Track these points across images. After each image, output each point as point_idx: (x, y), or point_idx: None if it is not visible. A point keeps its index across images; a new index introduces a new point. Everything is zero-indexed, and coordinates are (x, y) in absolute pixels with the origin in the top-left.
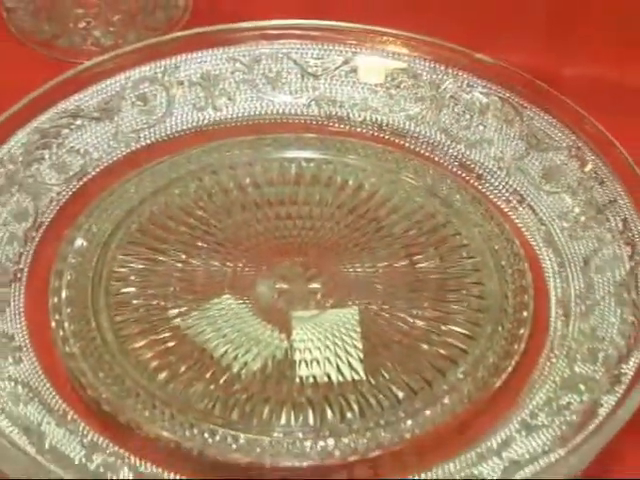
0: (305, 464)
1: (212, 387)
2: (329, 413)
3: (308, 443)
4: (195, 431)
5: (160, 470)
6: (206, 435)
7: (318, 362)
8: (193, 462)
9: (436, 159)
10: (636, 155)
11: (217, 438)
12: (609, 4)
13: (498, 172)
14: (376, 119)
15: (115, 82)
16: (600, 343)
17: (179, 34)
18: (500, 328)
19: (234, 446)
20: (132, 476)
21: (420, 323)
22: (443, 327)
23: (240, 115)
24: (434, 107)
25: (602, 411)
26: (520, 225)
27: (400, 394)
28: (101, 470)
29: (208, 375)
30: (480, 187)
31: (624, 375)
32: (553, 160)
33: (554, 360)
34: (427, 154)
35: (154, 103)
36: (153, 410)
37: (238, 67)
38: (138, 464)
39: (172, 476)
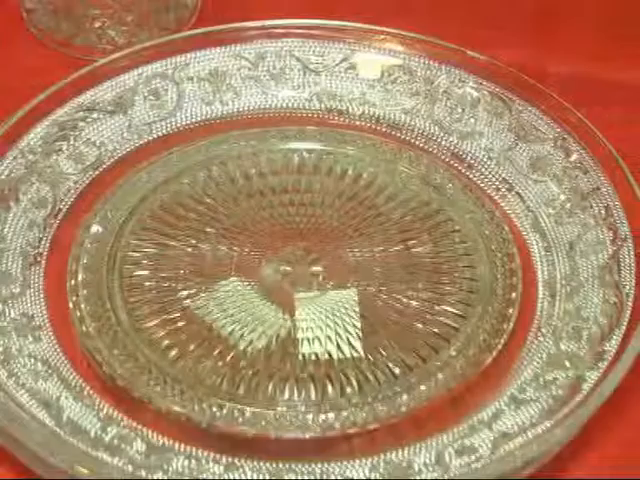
0: (307, 436)
1: (220, 364)
2: (330, 388)
3: (310, 416)
4: (204, 405)
5: (171, 442)
6: (214, 409)
7: (320, 340)
8: (202, 434)
9: (430, 150)
10: (618, 144)
11: (224, 412)
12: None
13: (488, 162)
14: (373, 112)
15: (129, 78)
16: (584, 322)
17: (188, 33)
18: (490, 308)
19: (240, 419)
20: (144, 448)
21: (415, 304)
22: (437, 307)
23: (246, 109)
24: (428, 101)
25: (586, 386)
26: (509, 212)
27: (396, 370)
28: (115, 442)
29: (216, 353)
30: (471, 176)
31: (607, 352)
32: (540, 151)
33: (541, 338)
34: (421, 145)
35: (165, 98)
36: (164, 385)
37: (244, 64)
38: (150, 436)
39: (182, 447)
